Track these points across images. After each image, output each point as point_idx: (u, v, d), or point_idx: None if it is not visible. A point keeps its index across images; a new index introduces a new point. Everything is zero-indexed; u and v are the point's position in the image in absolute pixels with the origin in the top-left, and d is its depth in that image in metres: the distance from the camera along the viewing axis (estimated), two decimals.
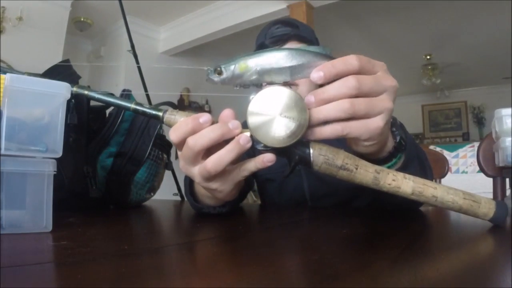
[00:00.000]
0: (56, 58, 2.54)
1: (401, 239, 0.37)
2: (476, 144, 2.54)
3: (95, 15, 3.65)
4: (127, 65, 3.44)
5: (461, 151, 3.01)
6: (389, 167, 0.43)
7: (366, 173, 0.38)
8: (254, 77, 0.36)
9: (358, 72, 0.35)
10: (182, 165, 0.41)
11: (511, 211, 0.42)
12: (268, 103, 0.34)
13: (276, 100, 0.34)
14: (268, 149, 0.37)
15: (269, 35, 0.80)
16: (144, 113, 0.42)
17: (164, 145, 0.78)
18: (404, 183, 0.38)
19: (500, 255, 0.32)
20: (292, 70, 0.36)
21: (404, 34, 4.33)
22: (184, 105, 4.40)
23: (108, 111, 0.73)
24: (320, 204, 0.79)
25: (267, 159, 0.37)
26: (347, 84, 0.34)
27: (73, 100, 0.56)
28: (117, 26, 3.75)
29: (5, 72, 0.36)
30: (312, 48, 0.36)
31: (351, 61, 0.35)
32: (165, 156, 0.80)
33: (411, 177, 0.39)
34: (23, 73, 0.47)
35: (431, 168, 0.58)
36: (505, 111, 0.92)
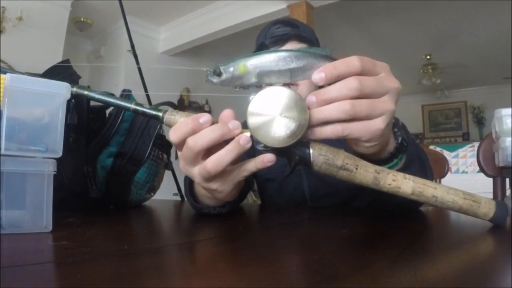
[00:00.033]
0: (56, 58, 2.54)
1: (401, 239, 0.37)
2: (476, 144, 2.54)
3: (95, 15, 3.65)
4: (127, 65, 3.44)
5: (461, 151, 3.01)
6: (390, 168, 0.43)
7: (366, 173, 0.38)
8: (253, 80, 0.36)
9: (360, 73, 0.35)
10: (182, 165, 0.41)
11: (511, 211, 0.42)
12: (268, 103, 0.34)
13: (276, 100, 0.34)
14: (268, 149, 0.37)
15: (269, 35, 0.80)
16: (144, 113, 0.42)
17: (164, 145, 0.78)
18: (404, 183, 0.38)
19: (500, 255, 0.32)
20: (292, 72, 0.36)
21: (404, 34, 4.33)
22: (184, 105, 4.40)
23: (108, 111, 0.73)
24: (320, 204, 0.79)
25: (267, 159, 0.37)
26: (349, 85, 0.34)
27: (73, 100, 0.56)
28: (117, 26, 3.75)
29: (5, 72, 0.36)
30: (312, 49, 0.36)
31: (353, 62, 0.35)
32: (165, 156, 0.80)
33: (411, 177, 0.39)
34: (23, 73, 0.47)
35: (431, 169, 0.58)
36: (505, 111, 0.92)
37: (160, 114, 0.41)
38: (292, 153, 0.38)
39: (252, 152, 0.38)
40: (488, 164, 1.09)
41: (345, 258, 0.30)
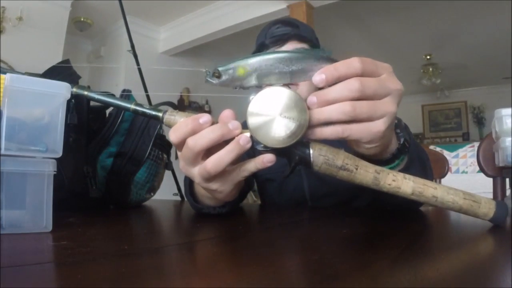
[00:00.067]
0: (56, 58, 2.54)
1: (401, 239, 0.37)
2: (476, 144, 2.53)
3: (95, 15, 3.65)
4: (127, 65, 3.45)
5: (461, 151, 3.01)
6: (391, 168, 0.43)
7: (366, 173, 0.38)
8: (253, 81, 0.36)
9: (361, 74, 0.35)
10: (182, 165, 0.41)
11: (511, 211, 0.42)
12: (268, 104, 0.34)
13: (276, 101, 0.34)
14: (268, 149, 0.37)
15: (269, 34, 0.80)
16: (144, 113, 0.42)
17: (164, 145, 0.78)
18: (404, 184, 0.38)
19: (500, 255, 0.32)
20: (292, 74, 0.35)
21: (404, 34, 4.33)
22: (184, 105, 4.40)
23: (108, 111, 0.73)
24: (320, 204, 0.79)
25: (267, 159, 0.37)
26: (350, 86, 0.34)
27: (73, 100, 0.56)
28: (117, 26, 3.75)
29: (5, 73, 0.36)
30: (313, 51, 0.36)
31: (353, 63, 0.35)
32: (165, 156, 0.80)
33: (411, 177, 0.39)
34: (22, 74, 0.47)
35: (431, 169, 0.59)
36: (505, 111, 0.92)
37: (160, 114, 0.41)
38: (292, 153, 0.38)
39: (252, 152, 0.38)
40: (488, 164, 1.09)
41: (345, 258, 0.30)
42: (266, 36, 0.80)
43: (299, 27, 0.81)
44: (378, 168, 0.39)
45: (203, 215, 0.55)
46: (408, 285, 0.21)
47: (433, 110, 6.95)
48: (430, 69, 5.30)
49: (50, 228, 0.37)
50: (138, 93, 0.76)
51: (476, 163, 1.16)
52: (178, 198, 1.23)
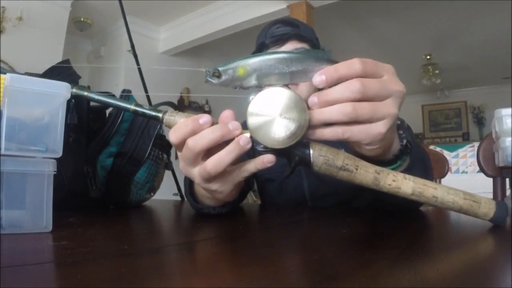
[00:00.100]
0: (56, 58, 2.54)
1: (401, 239, 0.37)
2: (476, 144, 2.53)
3: (95, 15, 3.65)
4: (127, 65, 3.45)
5: (461, 151, 3.01)
6: (393, 169, 0.43)
7: (366, 173, 0.38)
8: (253, 81, 0.36)
9: (362, 76, 0.35)
10: (182, 166, 0.41)
11: (511, 211, 0.42)
12: (268, 104, 0.34)
13: (276, 101, 0.34)
14: (268, 150, 0.37)
15: (269, 34, 0.80)
16: (144, 114, 0.42)
17: (164, 145, 0.78)
18: (404, 184, 0.38)
19: (500, 255, 0.32)
20: (292, 74, 0.35)
21: (404, 34, 4.32)
22: (184, 105, 4.40)
23: (108, 111, 0.73)
24: (320, 204, 0.79)
25: (267, 160, 0.37)
26: (351, 87, 0.34)
27: (73, 100, 0.56)
28: (117, 26, 3.75)
29: (5, 73, 0.36)
30: (313, 51, 0.36)
31: (354, 65, 0.34)
32: (165, 156, 0.80)
33: (411, 177, 0.39)
34: (22, 74, 0.47)
35: (432, 168, 0.59)
36: (505, 111, 0.92)
37: (160, 115, 0.41)
38: (292, 153, 0.38)
39: (252, 152, 0.38)
40: (488, 164, 1.09)
41: (345, 258, 0.30)
42: (266, 36, 0.80)
43: (299, 27, 0.81)
44: (378, 168, 0.39)
45: (203, 215, 0.55)
46: (408, 285, 0.21)
47: (433, 110, 6.95)
48: (430, 69, 5.30)
49: (50, 228, 0.37)
50: (138, 94, 0.76)
51: (476, 163, 1.16)
52: (178, 198, 1.23)
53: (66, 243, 0.33)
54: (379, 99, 0.36)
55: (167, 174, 0.87)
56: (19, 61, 2.72)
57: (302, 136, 0.35)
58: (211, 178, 0.39)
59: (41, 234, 0.36)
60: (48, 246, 0.33)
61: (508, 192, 1.16)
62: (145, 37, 3.91)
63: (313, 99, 0.35)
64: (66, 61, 0.66)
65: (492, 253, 0.34)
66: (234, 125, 0.37)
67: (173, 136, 0.38)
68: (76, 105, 0.57)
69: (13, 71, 0.47)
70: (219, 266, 0.27)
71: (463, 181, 2.76)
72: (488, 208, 0.40)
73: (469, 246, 0.35)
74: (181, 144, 0.38)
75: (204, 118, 0.37)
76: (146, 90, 1.59)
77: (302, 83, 0.72)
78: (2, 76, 0.35)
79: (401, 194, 0.39)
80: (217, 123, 0.38)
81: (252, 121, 0.35)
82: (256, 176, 0.83)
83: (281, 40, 0.78)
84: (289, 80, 0.36)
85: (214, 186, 0.41)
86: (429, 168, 0.57)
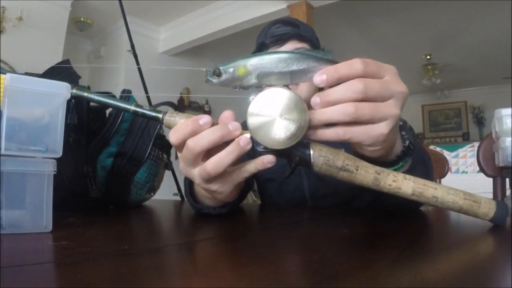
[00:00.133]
0: (56, 58, 2.54)
1: (401, 239, 0.37)
2: (476, 144, 2.53)
3: (95, 15, 3.65)
4: (127, 65, 3.45)
5: (461, 151, 3.01)
6: (395, 170, 0.43)
7: (366, 174, 0.38)
8: (253, 81, 0.36)
9: (363, 76, 0.34)
10: (182, 166, 0.41)
11: (511, 211, 0.42)
12: (268, 105, 0.34)
13: (276, 102, 0.34)
14: (268, 150, 0.37)
15: (269, 34, 0.80)
16: (144, 115, 0.41)
17: (164, 145, 0.78)
18: (404, 184, 0.38)
19: (500, 255, 0.32)
20: (292, 74, 0.35)
21: (404, 34, 4.32)
22: (184, 105, 4.39)
23: (108, 111, 0.73)
24: (320, 204, 0.79)
25: (267, 160, 0.37)
26: (353, 87, 0.34)
27: (73, 100, 0.56)
28: (117, 26, 3.75)
29: (5, 73, 0.36)
30: (314, 52, 0.36)
31: (355, 65, 0.34)
32: (165, 156, 0.80)
33: (412, 177, 0.39)
34: (22, 74, 0.47)
35: (432, 169, 0.59)
36: (505, 111, 0.92)
37: (160, 115, 0.41)
38: (292, 154, 0.38)
39: (252, 152, 0.38)
40: (488, 164, 1.09)
41: (345, 258, 0.30)
42: (266, 35, 0.80)
43: (299, 26, 0.81)
44: (379, 168, 0.39)
45: (203, 215, 0.55)
46: (408, 285, 0.21)
47: (433, 110, 6.95)
48: (430, 69, 5.30)
49: (50, 228, 0.37)
50: (139, 94, 0.76)
51: (476, 163, 1.16)
52: (178, 198, 1.23)
53: (66, 243, 0.33)
54: (381, 100, 0.35)
55: (167, 174, 0.87)
56: (19, 61, 2.72)
57: (303, 137, 0.35)
58: (211, 178, 0.39)
59: (41, 234, 0.36)
60: (48, 246, 0.33)
61: (508, 192, 1.16)
62: (145, 37, 3.91)
63: (315, 99, 0.35)
64: (66, 61, 0.66)
65: (492, 253, 0.34)
66: (234, 126, 0.37)
67: (173, 137, 0.38)
68: (76, 105, 0.57)
69: (13, 71, 0.47)
70: (219, 266, 0.27)
71: (463, 181, 2.76)
72: (488, 208, 0.40)
73: (469, 246, 0.35)
74: (181, 145, 0.38)
75: (204, 119, 0.37)
76: (146, 90, 1.59)
77: (302, 83, 0.72)
78: (2, 76, 0.35)
79: (401, 194, 0.39)
80: (217, 123, 0.38)
81: (252, 121, 0.35)
82: (256, 176, 0.83)
83: (281, 40, 0.78)
84: (289, 80, 0.36)
85: (214, 186, 0.41)
86: (430, 168, 0.57)
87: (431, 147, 3.12)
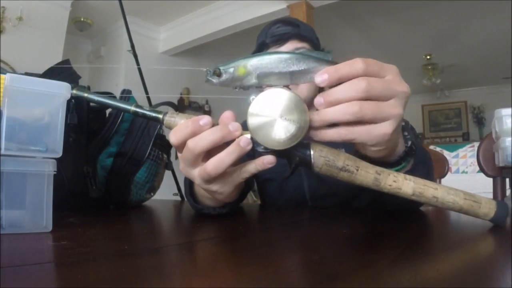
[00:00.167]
0: (56, 58, 2.54)
1: (401, 239, 0.37)
2: (476, 144, 2.53)
3: (95, 15, 3.65)
4: (127, 65, 3.45)
5: (461, 151, 3.01)
6: (397, 171, 0.43)
7: (367, 174, 0.38)
8: (253, 81, 0.36)
9: (364, 75, 0.34)
10: (182, 167, 0.41)
11: (511, 211, 0.42)
12: (269, 105, 0.34)
13: (277, 102, 0.34)
14: (268, 150, 0.37)
15: (270, 34, 0.80)
16: (144, 115, 0.41)
17: (164, 145, 0.78)
18: (405, 184, 0.38)
19: (500, 255, 0.32)
20: (292, 75, 0.35)
21: (404, 34, 4.32)
22: (184, 105, 4.39)
23: (108, 111, 0.73)
24: (320, 204, 0.79)
25: (267, 161, 0.37)
26: (357, 86, 0.33)
27: (73, 100, 0.56)
28: (117, 26, 3.75)
29: (5, 73, 0.36)
30: (314, 53, 0.36)
31: (356, 64, 0.34)
32: (165, 156, 0.80)
33: (412, 177, 0.39)
34: (22, 74, 0.47)
35: (433, 169, 0.59)
36: (505, 111, 0.92)
37: (160, 116, 0.40)
38: (293, 154, 0.38)
39: (252, 153, 0.38)
40: (488, 164, 1.09)
41: (345, 258, 0.30)
42: (266, 35, 0.80)
43: (300, 26, 0.81)
44: (379, 169, 0.39)
45: (203, 215, 0.54)
46: (408, 285, 0.21)
47: (433, 110, 6.95)
48: (430, 69, 5.30)
49: (50, 228, 0.37)
50: (139, 95, 0.76)
51: (476, 163, 1.16)
52: (178, 198, 1.23)
53: (66, 243, 0.33)
54: (384, 99, 0.35)
55: (167, 174, 0.87)
56: (19, 61, 2.72)
57: (303, 137, 0.35)
58: (211, 179, 0.39)
59: (41, 234, 0.36)
60: (48, 246, 0.33)
61: (508, 192, 1.16)
62: (145, 37, 3.91)
63: (319, 100, 0.35)
64: (66, 61, 0.66)
65: (492, 253, 0.34)
66: (234, 126, 0.37)
67: (173, 138, 0.38)
68: (76, 105, 0.57)
69: (13, 71, 0.47)
70: (219, 266, 0.27)
71: (463, 181, 2.76)
72: (489, 208, 0.40)
73: (469, 246, 0.35)
74: (182, 146, 0.38)
75: (205, 119, 0.37)
76: (146, 90, 1.59)
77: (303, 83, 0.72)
78: (2, 76, 0.35)
79: (401, 194, 0.39)
80: (217, 124, 0.38)
81: (252, 122, 0.35)
82: (256, 176, 0.83)
83: (282, 39, 0.78)
84: (290, 80, 0.36)
85: (214, 187, 0.41)
86: (431, 169, 0.57)
87: (431, 147, 3.12)
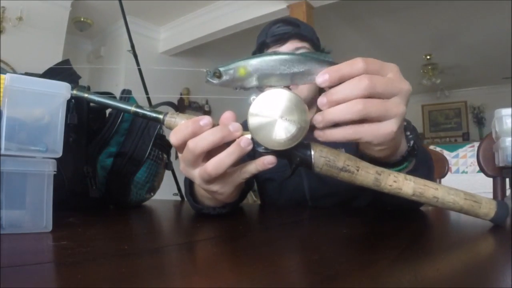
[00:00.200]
0: (56, 58, 2.54)
1: (401, 239, 0.37)
2: (476, 144, 2.53)
3: (95, 15, 3.65)
4: (127, 65, 3.45)
5: (461, 151, 3.01)
6: (399, 171, 0.43)
7: (367, 174, 0.38)
8: (254, 82, 0.36)
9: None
10: (182, 167, 0.41)
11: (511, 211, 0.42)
12: (269, 106, 0.34)
13: (277, 103, 0.34)
14: (269, 151, 0.37)
15: (270, 33, 0.80)
16: (144, 116, 0.41)
17: (164, 145, 0.78)
18: (405, 185, 0.38)
19: (500, 255, 0.32)
20: (292, 76, 0.35)
21: (404, 34, 4.32)
22: (184, 105, 4.39)
23: (108, 111, 0.73)
24: (320, 204, 0.79)
25: (267, 161, 0.37)
26: (359, 84, 0.33)
27: (73, 100, 0.56)
28: (117, 26, 3.75)
29: (5, 73, 0.36)
30: (314, 54, 0.36)
31: (357, 64, 0.34)
32: (165, 156, 0.80)
33: (412, 178, 0.39)
34: (22, 74, 0.47)
35: (433, 168, 0.59)
36: (505, 111, 0.92)
37: (161, 116, 0.40)
38: (293, 155, 0.38)
39: (252, 153, 0.38)
40: (488, 164, 1.09)
41: (345, 258, 0.30)
42: (267, 35, 0.80)
43: (300, 26, 0.81)
44: (379, 169, 0.39)
45: (203, 215, 0.54)
46: (408, 285, 0.21)
47: (433, 110, 6.95)
48: (430, 69, 5.30)
49: (50, 228, 0.37)
50: (139, 95, 0.76)
51: (476, 163, 1.16)
52: (178, 198, 1.23)
53: (66, 243, 0.33)
54: (386, 97, 0.35)
55: (167, 174, 0.87)
56: (19, 61, 2.72)
57: (303, 138, 0.35)
58: (211, 179, 0.39)
59: (41, 234, 0.36)
60: (48, 246, 0.33)
61: (508, 192, 1.16)
62: (145, 37, 3.91)
63: (322, 100, 0.35)
64: (66, 61, 0.66)
65: (492, 253, 0.34)
66: (234, 127, 0.37)
67: (173, 138, 0.38)
68: (76, 105, 0.57)
69: (13, 71, 0.47)
70: (219, 266, 0.27)
71: (463, 181, 2.76)
72: (489, 208, 0.40)
73: (469, 246, 0.35)
74: (182, 146, 0.38)
75: (205, 120, 0.37)
76: (146, 90, 1.59)
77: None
78: (2, 76, 0.35)
79: (402, 194, 0.39)
80: (217, 124, 0.38)
81: (253, 122, 0.35)
82: (256, 176, 0.83)
83: (282, 39, 0.78)
84: (290, 81, 0.36)
85: (214, 187, 0.41)
86: (432, 169, 0.57)
87: (431, 147, 3.12)
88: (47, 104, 0.38)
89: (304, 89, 0.74)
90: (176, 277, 0.24)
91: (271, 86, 0.36)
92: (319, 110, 0.36)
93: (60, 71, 0.61)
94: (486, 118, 6.25)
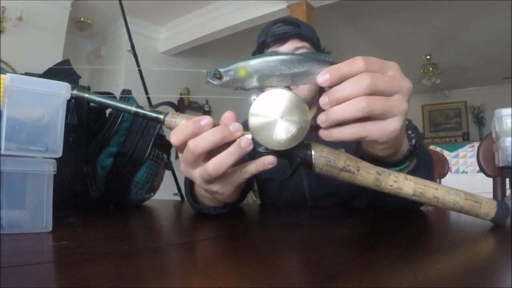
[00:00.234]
0: (56, 58, 2.54)
1: (401, 239, 0.37)
2: (476, 144, 2.53)
3: (95, 15, 3.65)
4: (127, 65, 3.45)
5: (461, 151, 3.01)
6: (401, 170, 0.42)
7: (367, 174, 0.38)
8: (254, 83, 0.36)
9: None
10: (182, 167, 0.41)
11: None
12: (269, 106, 0.34)
13: (277, 103, 0.34)
14: (269, 151, 0.37)
15: (270, 33, 0.80)
16: (144, 116, 0.41)
17: (164, 145, 0.78)
18: (405, 185, 0.38)
19: (500, 255, 0.32)
20: (293, 76, 0.35)
21: (404, 34, 4.32)
22: (184, 105, 4.39)
23: (108, 111, 0.73)
24: (320, 204, 0.79)
25: (268, 161, 0.37)
26: (361, 82, 0.33)
27: (73, 100, 0.56)
28: (117, 26, 3.75)
29: (5, 73, 0.36)
30: (315, 54, 0.36)
31: (357, 63, 0.34)
32: (165, 156, 0.80)
33: (413, 178, 0.39)
34: (22, 74, 0.47)
35: (434, 168, 0.59)
36: (505, 111, 0.92)
37: (161, 116, 0.40)
38: (294, 155, 0.38)
39: (253, 153, 0.38)
40: (488, 164, 1.09)
41: (345, 258, 0.30)
42: (267, 34, 0.80)
43: (300, 26, 0.81)
44: (380, 169, 0.39)
45: (203, 215, 0.54)
46: (408, 285, 0.21)
47: (433, 110, 6.95)
48: (430, 69, 5.30)
49: (50, 228, 0.37)
50: (139, 95, 0.76)
51: (476, 163, 1.16)
52: (178, 198, 1.23)
53: (66, 243, 0.33)
54: (388, 94, 0.35)
55: (167, 174, 0.87)
56: (19, 61, 2.72)
57: (304, 138, 0.35)
58: (212, 179, 0.39)
59: (41, 234, 0.36)
60: (48, 246, 0.33)
61: (508, 192, 1.16)
62: (145, 37, 3.91)
63: (324, 99, 0.34)
64: (66, 61, 0.66)
65: (492, 253, 0.34)
66: (235, 127, 0.37)
67: (174, 138, 0.38)
68: (76, 105, 0.57)
69: (13, 71, 0.47)
70: (219, 266, 0.27)
71: (463, 181, 2.76)
72: (489, 208, 0.40)
73: (469, 246, 0.35)
74: (182, 146, 0.38)
75: (205, 120, 0.37)
76: (146, 90, 1.59)
77: None
78: (2, 76, 0.35)
79: (402, 195, 0.39)
80: (218, 124, 0.38)
81: (253, 122, 0.35)
82: (256, 176, 0.83)
83: (282, 39, 0.78)
84: (290, 81, 0.36)
85: (215, 187, 0.41)
86: (432, 169, 0.57)
87: (431, 147, 3.11)
88: (47, 104, 0.38)
89: (304, 89, 0.74)
90: (176, 277, 0.24)
91: (271, 87, 0.36)
92: (319, 110, 0.36)
93: (60, 71, 0.61)
94: (486, 118, 6.25)
